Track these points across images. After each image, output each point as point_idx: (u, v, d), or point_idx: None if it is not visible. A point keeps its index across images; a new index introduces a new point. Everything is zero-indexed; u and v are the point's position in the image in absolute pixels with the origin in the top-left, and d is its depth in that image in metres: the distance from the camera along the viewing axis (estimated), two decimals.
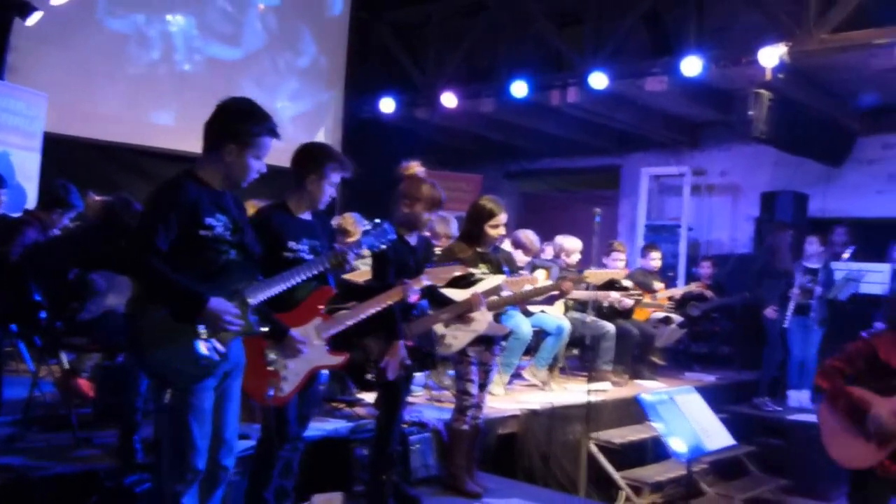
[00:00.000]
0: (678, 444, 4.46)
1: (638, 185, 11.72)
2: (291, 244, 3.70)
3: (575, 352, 8.16)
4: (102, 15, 9.41)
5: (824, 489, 7.36)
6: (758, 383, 8.56)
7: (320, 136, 10.81)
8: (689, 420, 4.63)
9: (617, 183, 12.68)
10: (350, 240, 5.59)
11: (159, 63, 9.89)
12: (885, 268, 8.83)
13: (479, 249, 5.00)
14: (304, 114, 11.02)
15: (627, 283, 7.87)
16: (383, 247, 3.83)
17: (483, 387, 5.03)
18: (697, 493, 6.95)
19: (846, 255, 9.00)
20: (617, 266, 8.02)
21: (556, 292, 5.25)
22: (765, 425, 8.01)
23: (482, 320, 4.83)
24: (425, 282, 4.23)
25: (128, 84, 9.59)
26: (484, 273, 4.94)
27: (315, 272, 3.56)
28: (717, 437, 4.76)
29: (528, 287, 5.16)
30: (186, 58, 10.06)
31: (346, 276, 4.45)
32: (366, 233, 3.77)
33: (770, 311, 8.42)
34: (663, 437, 4.51)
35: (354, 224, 6.12)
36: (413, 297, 4.16)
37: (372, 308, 3.99)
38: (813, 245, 8.66)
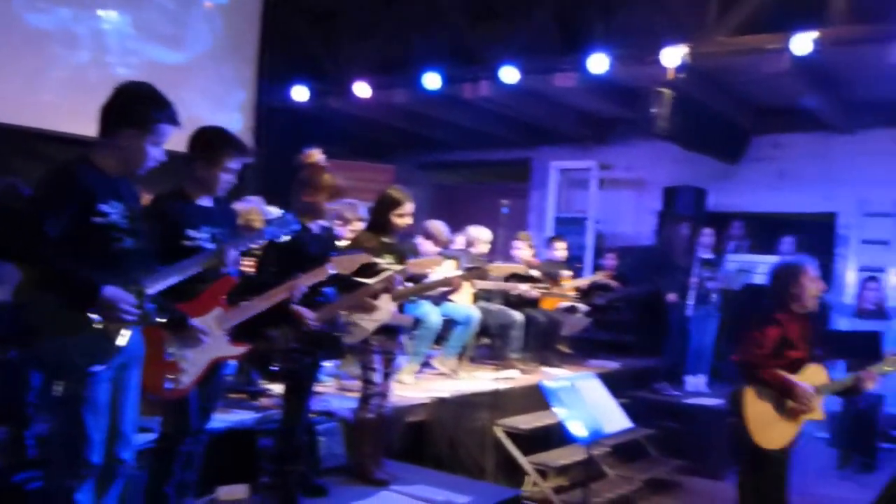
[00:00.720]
0: (579, 429, 4.44)
1: (547, 178, 11.77)
2: (190, 232, 3.51)
3: (485, 341, 8.14)
4: (20, 9, 8.33)
5: (716, 468, 7.59)
6: (658, 369, 8.70)
7: (231, 124, 10.43)
8: (589, 405, 4.62)
9: (527, 176, 12.70)
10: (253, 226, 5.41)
11: (89, 65, 8.78)
12: (775, 260, 9.04)
13: (384, 239, 4.91)
14: (214, 101, 10.57)
15: (535, 273, 7.88)
16: (286, 237, 3.69)
17: (388, 375, 4.96)
18: (600, 475, 6.97)
19: (740, 248, 9.21)
20: (520, 255, 8.04)
21: (447, 288, 5.21)
22: (664, 409, 8.12)
23: (385, 309, 4.75)
24: (331, 270, 4.08)
25: (54, 90, 8.55)
26: (389, 263, 4.84)
27: (213, 261, 3.39)
28: (616, 420, 4.77)
29: (431, 274, 5.09)
30: (120, 60, 9.07)
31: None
32: (268, 222, 3.63)
33: (671, 297, 8.57)
34: (564, 422, 4.48)
35: (258, 212, 5.93)
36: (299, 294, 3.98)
37: (267, 303, 3.82)
38: (708, 237, 8.85)
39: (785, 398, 4.51)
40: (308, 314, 4.13)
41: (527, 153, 12.58)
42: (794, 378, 4.50)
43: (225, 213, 3.80)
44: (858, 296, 8.91)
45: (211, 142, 3.64)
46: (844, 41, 7.45)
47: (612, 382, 7.62)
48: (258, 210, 5.95)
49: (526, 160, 12.65)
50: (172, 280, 3.22)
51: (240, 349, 3.70)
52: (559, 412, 4.49)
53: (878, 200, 9.83)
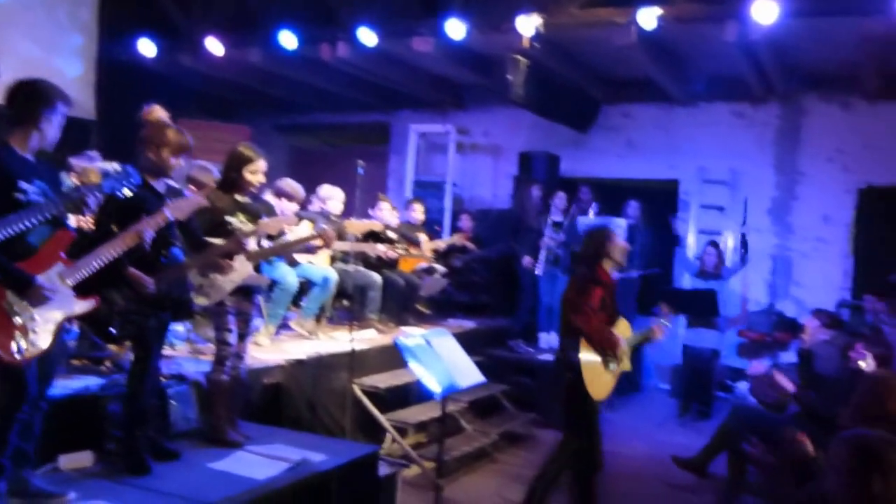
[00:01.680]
0: (433, 384, 4.41)
1: (406, 142, 11.67)
2: (22, 184, 3.22)
3: (344, 302, 8.02)
4: None
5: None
6: (512, 327, 8.83)
7: (73, 79, 9.67)
8: (443, 361, 4.59)
9: (387, 139, 12.56)
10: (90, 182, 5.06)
11: None
12: (622, 223, 9.35)
13: (237, 198, 4.70)
14: (47, 44, 9.74)
15: (392, 235, 7.80)
16: (126, 191, 3.43)
17: (243, 337, 4.77)
18: (457, 430, 7.05)
19: (591, 212, 9.40)
20: (381, 217, 7.95)
21: (318, 242, 5.05)
22: (518, 366, 8.32)
23: (241, 270, 4.57)
24: (168, 215, 3.81)
25: None
26: (242, 222, 4.65)
27: (48, 215, 3.12)
28: (469, 375, 4.77)
29: (287, 234, 4.91)
30: None
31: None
32: (107, 175, 3.36)
33: (526, 261, 8.70)
34: (419, 378, 4.44)
35: (94, 169, 5.55)
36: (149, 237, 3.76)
37: (110, 252, 3.57)
38: (560, 201, 8.99)
39: (608, 351, 4.92)
40: (145, 278, 3.90)
41: (386, 117, 12.44)
42: (615, 333, 4.98)
43: (46, 168, 3.52)
44: (699, 258, 9.27)
45: (31, 95, 3.39)
46: (685, 18, 7.66)
47: (469, 341, 7.69)
48: (94, 166, 5.56)
49: (385, 124, 12.51)
50: (4, 234, 2.94)
51: (88, 303, 3.45)
52: (414, 369, 4.44)
53: (715, 169, 10.27)
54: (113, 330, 3.82)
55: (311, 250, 5.66)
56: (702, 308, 8.63)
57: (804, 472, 4.14)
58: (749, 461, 5.68)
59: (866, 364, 5.89)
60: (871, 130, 9.60)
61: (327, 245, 5.33)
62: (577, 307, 4.84)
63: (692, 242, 10.38)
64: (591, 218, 9.26)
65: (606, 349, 4.92)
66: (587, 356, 4.86)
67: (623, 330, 5.13)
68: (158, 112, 4.09)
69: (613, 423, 8.41)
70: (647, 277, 9.69)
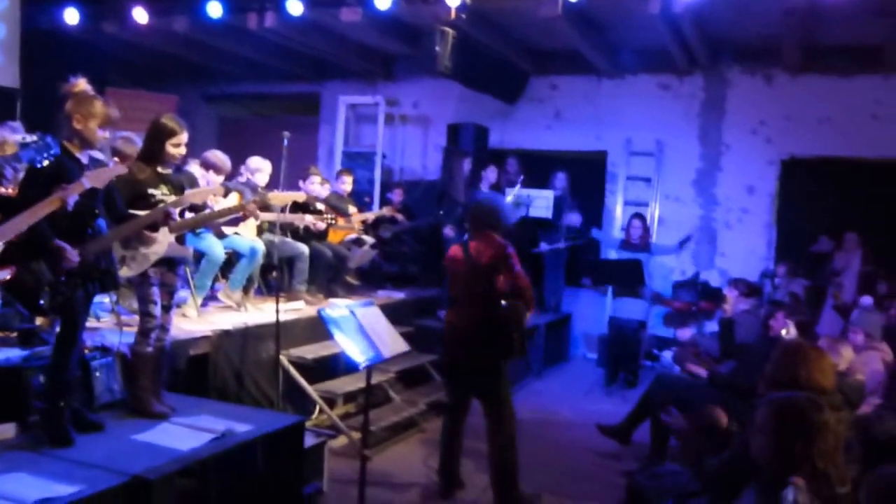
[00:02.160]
0: (357, 354, 4.53)
1: (336, 112, 11.66)
2: None
3: (273, 274, 8.06)
4: None
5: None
6: (441, 298, 8.93)
7: None
8: (367, 331, 4.70)
9: (317, 110, 12.53)
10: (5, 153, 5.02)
11: None
12: (549, 194, 9.55)
13: (159, 170, 4.70)
14: None
15: (321, 206, 7.85)
16: (45, 161, 3.45)
17: (168, 308, 4.80)
18: (386, 401, 7.16)
19: (518, 184, 9.55)
20: (312, 189, 7.99)
21: (240, 214, 5.10)
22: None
23: (164, 242, 4.60)
24: (86, 184, 3.79)
25: None
26: (164, 195, 4.66)
27: None
28: (393, 345, 4.89)
29: (211, 206, 4.94)
30: None
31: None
32: (25, 145, 3.37)
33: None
34: (343, 349, 4.55)
35: (10, 140, 5.49)
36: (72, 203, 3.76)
37: (32, 218, 3.58)
38: (491, 174, 9.13)
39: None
40: (70, 250, 3.91)
41: (315, 87, 12.41)
42: None
43: None
44: (625, 229, 9.47)
45: None
46: None
47: (398, 312, 7.89)
48: (13, 137, 5.49)
49: (315, 94, 12.47)
50: None
51: (5, 272, 3.47)
52: (339, 340, 4.54)
53: (642, 140, 10.52)
54: (42, 302, 3.83)
55: (236, 222, 5.69)
56: (627, 279, 8.81)
57: (717, 440, 4.34)
58: (668, 429, 5.92)
59: (787, 332, 6.16)
60: (794, 103, 9.88)
61: (251, 217, 5.37)
62: (513, 269, 5.14)
63: (619, 214, 10.64)
64: (517, 190, 9.41)
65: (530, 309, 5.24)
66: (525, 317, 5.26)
67: None
68: (82, 85, 4.07)
69: (540, 392, 8.67)
70: (574, 248, 9.93)
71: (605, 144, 10.80)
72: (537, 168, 10.10)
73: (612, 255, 9.66)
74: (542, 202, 9.43)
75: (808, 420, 2.92)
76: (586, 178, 10.64)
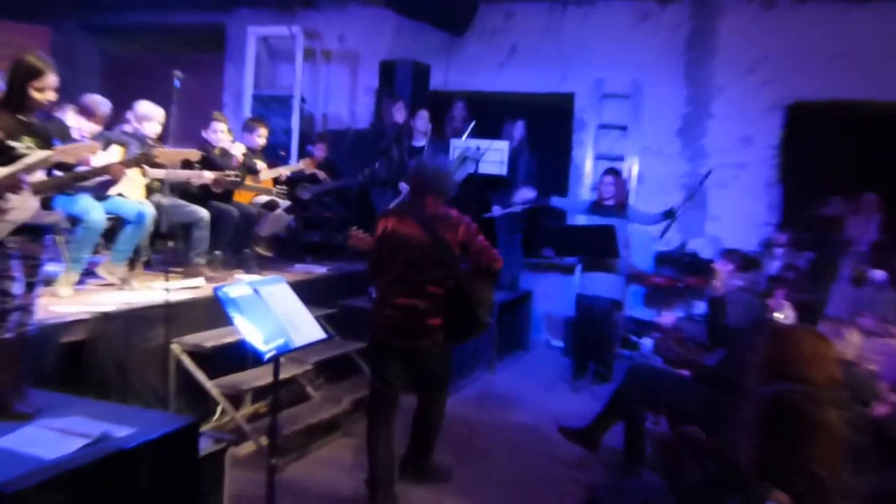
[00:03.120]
0: (260, 342, 4.56)
1: (244, 48, 11.61)
2: None
3: (170, 244, 8.05)
4: None
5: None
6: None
7: None
8: (273, 314, 4.72)
9: (222, 45, 12.47)
10: None
11: None
12: (503, 146, 9.53)
13: (21, 117, 4.67)
14: None
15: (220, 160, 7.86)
16: None
17: (32, 286, 4.76)
18: (303, 398, 7.22)
19: (465, 134, 9.59)
20: (217, 140, 7.97)
21: (106, 176, 5.11)
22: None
23: (25, 207, 4.56)
24: None
25: None
26: (28, 147, 4.63)
27: None
28: (307, 331, 4.90)
29: (86, 159, 4.94)
30: None
31: None
32: None
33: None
34: (243, 336, 4.58)
35: None
36: None
37: None
38: (422, 122, 9.12)
39: None
40: None
41: (220, 17, 12.35)
42: None
43: None
44: (596, 188, 9.54)
45: None
46: None
47: (321, 290, 7.95)
48: None
49: (219, 26, 12.41)
50: None
51: None
52: (238, 324, 4.55)
53: (616, 81, 10.64)
54: None
55: (106, 186, 5.67)
56: (597, 248, 8.66)
57: (701, 450, 4.39)
58: (644, 434, 5.96)
59: (784, 316, 6.23)
60: (800, 35, 9.97)
61: (115, 182, 5.36)
62: (482, 246, 5.52)
63: (589, 170, 10.77)
64: (463, 141, 9.46)
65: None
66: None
67: None
68: None
69: (493, 387, 8.74)
70: (534, 212, 10.00)
71: (572, 86, 10.90)
72: (489, 114, 10.14)
73: (581, 220, 9.77)
74: (494, 155, 9.43)
75: (803, 418, 2.93)
76: (549, 126, 10.73)
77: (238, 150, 8.27)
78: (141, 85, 11.50)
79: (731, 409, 4.78)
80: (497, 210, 9.82)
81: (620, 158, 10.57)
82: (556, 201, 9.61)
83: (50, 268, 5.87)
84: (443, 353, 5.71)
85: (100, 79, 12.93)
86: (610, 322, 9.13)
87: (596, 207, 9.17)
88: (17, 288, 4.65)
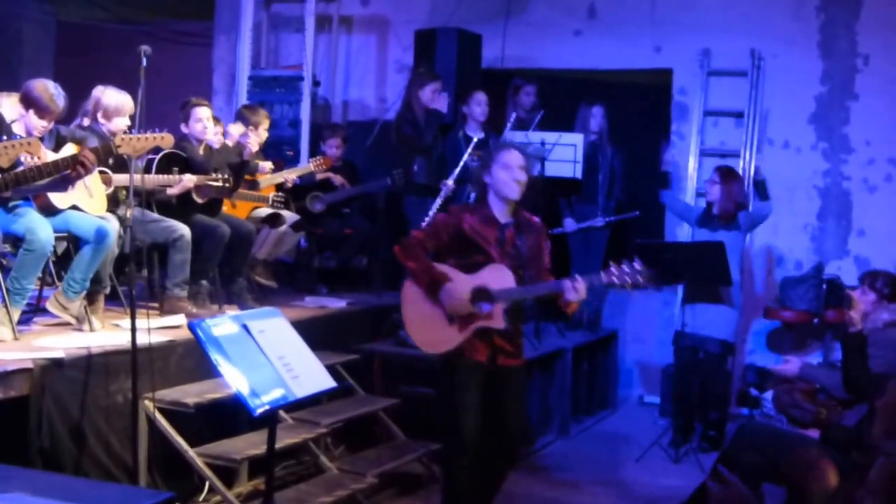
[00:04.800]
0: (251, 392, 4.64)
1: (240, 16, 11.71)
2: None
3: (142, 272, 8.16)
4: None
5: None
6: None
7: None
8: (267, 358, 4.79)
9: (210, 12, 12.65)
10: None
11: None
12: (577, 139, 9.55)
13: None
14: None
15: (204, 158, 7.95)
16: None
17: None
18: (315, 471, 7.28)
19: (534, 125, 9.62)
20: (197, 133, 8.11)
21: (68, 171, 5.21)
22: (413, 368, 8.44)
23: None
24: None
25: None
26: None
27: None
28: (311, 378, 4.98)
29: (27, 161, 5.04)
30: None
31: None
32: None
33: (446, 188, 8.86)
34: (226, 382, 4.67)
35: None
36: None
37: None
38: (479, 108, 9.15)
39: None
40: None
41: None
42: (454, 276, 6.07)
43: None
44: (703, 194, 9.61)
45: None
46: None
47: (337, 330, 8.04)
48: None
49: None
50: None
51: None
52: (223, 370, 4.65)
53: (727, 53, 10.68)
54: None
55: (65, 186, 5.69)
56: (704, 272, 8.67)
57: None
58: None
59: None
60: None
61: (86, 171, 5.42)
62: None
63: (693, 169, 10.76)
64: (532, 133, 9.49)
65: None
66: (412, 295, 6.26)
67: None
68: None
69: (566, 458, 8.71)
70: (621, 226, 10.04)
71: (669, 60, 10.95)
72: (560, 98, 10.18)
73: (684, 234, 9.75)
74: (566, 152, 9.43)
75: None
76: (638, 113, 10.77)
77: (215, 137, 8.37)
78: (105, 64, 11.77)
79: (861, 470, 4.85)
80: (570, 224, 9.85)
81: (734, 154, 10.56)
82: (668, 198, 9.76)
83: None
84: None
85: (52, 56, 13.16)
86: (721, 371, 9.11)
87: (704, 218, 9.20)
88: None
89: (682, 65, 10.91)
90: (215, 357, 4.67)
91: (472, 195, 7.82)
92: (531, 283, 6.07)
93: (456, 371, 6.17)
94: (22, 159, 5.89)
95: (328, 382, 5.10)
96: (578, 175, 9.54)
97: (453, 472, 6.23)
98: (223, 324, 4.86)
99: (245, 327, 4.89)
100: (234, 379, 4.67)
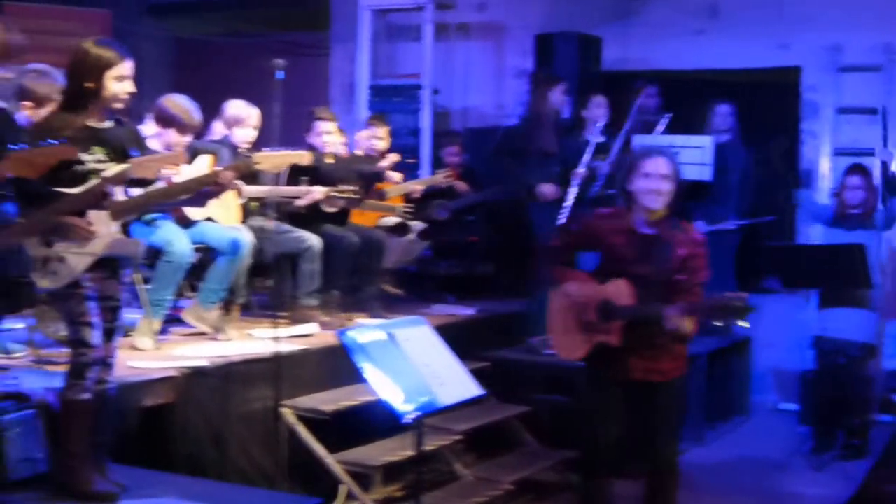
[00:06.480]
0: (399, 400, 4.75)
1: (357, 25, 11.99)
2: None
3: (267, 282, 8.39)
4: None
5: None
6: (534, 315, 8.94)
7: None
8: (413, 365, 4.94)
9: (326, 22, 12.88)
10: None
11: None
12: (705, 141, 9.58)
13: (90, 123, 4.94)
14: None
15: (338, 171, 8.14)
16: None
17: (111, 334, 5.11)
18: (448, 478, 7.44)
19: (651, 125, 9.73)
20: (322, 145, 8.33)
21: (211, 187, 5.38)
22: (544, 375, 8.58)
23: (104, 235, 4.86)
24: (8, 174, 4.19)
25: None
26: (100, 160, 4.93)
27: None
28: (457, 386, 5.10)
29: (168, 174, 5.21)
30: None
31: None
32: None
33: (548, 189, 9.06)
34: (376, 391, 4.80)
35: None
36: None
37: None
38: (600, 110, 9.20)
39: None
40: None
41: None
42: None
43: None
44: (836, 193, 9.50)
45: None
46: None
47: (465, 338, 8.12)
48: None
49: None
50: None
51: None
52: (370, 377, 4.80)
53: (859, 47, 10.60)
54: None
55: (205, 200, 5.83)
56: (841, 275, 8.60)
57: None
58: None
59: None
60: None
61: (224, 189, 5.57)
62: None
63: (826, 170, 10.75)
64: (657, 137, 9.56)
65: None
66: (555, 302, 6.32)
67: None
68: None
69: (701, 466, 8.61)
70: (751, 230, 10.05)
71: (797, 57, 10.91)
72: (683, 99, 10.19)
73: (817, 235, 9.78)
74: (694, 155, 9.42)
75: None
76: (766, 113, 10.74)
77: (340, 147, 8.57)
78: (223, 78, 12.06)
79: None
80: (700, 227, 9.88)
81: (869, 152, 10.47)
82: (801, 198, 9.87)
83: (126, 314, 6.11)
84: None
85: (170, 73, 13.50)
86: (863, 375, 9.02)
87: (839, 219, 9.17)
88: (95, 337, 4.95)
89: (811, 61, 10.86)
90: (363, 364, 4.82)
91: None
92: (659, 300, 5.84)
93: (593, 382, 6.26)
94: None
95: (475, 390, 5.22)
96: (708, 177, 9.56)
97: (590, 483, 6.36)
98: (370, 332, 5.03)
99: (391, 335, 5.03)
100: (382, 386, 4.81)
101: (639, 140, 9.44)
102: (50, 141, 4.46)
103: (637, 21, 11.25)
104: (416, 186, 9.39)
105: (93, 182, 4.79)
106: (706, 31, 11.17)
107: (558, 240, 6.44)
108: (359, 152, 8.86)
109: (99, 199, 4.76)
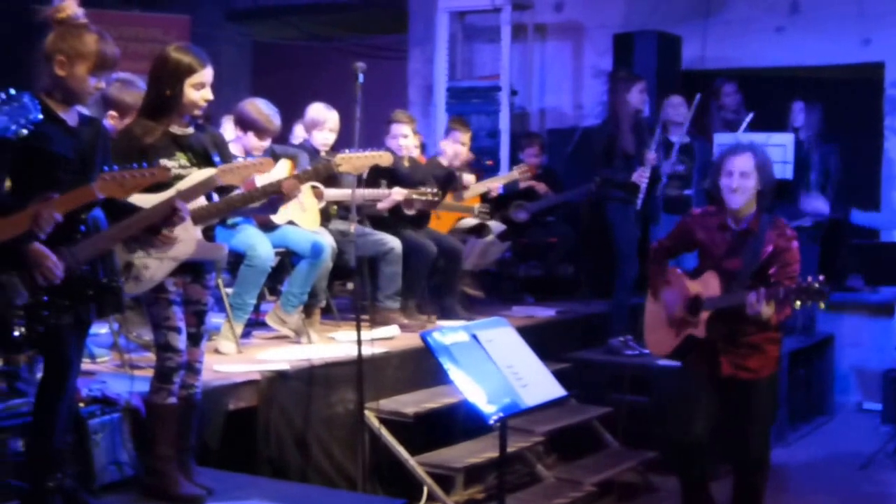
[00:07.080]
0: (483, 402, 4.74)
1: (434, 27, 12.00)
2: None
3: (348, 285, 8.40)
4: None
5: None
6: (615, 316, 9.01)
7: None
8: (497, 366, 4.92)
9: (403, 25, 12.93)
10: None
11: None
12: (786, 139, 9.51)
13: (173, 130, 5.00)
14: None
15: (418, 174, 8.16)
16: (23, 131, 3.77)
17: (197, 339, 5.16)
18: (531, 479, 7.42)
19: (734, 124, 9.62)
20: (401, 148, 8.33)
21: (276, 195, 5.42)
22: (626, 377, 8.44)
23: (187, 239, 4.88)
24: (100, 195, 4.17)
25: None
26: (184, 166, 4.98)
27: None
28: (541, 388, 5.07)
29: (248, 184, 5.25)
30: None
31: None
32: None
33: (639, 175, 8.87)
34: (461, 391, 4.77)
35: None
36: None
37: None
38: (678, 108, 9.14)
39: None
40: (52, 257, 4.12)
41: None
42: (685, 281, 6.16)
43: None
44: None
45: None
46: None
47: (546, 339, 8.13)
48: None
49: (397, 1, 12.84)
50: None
51: None
52: (454, 378, 4.79)
53: None
54: (17, 333, 4.10)
55: (275, 205, 5.81)
56: None
57: None
58: None
59: None
60: None
61: (287, 198, 5.59)
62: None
63: None
64: (740, 135, 9.44)
65: None
66: (650, 300, 6.49)
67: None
68: (71, 8, 4.35)
69: (785, 466, 8.61)
70: (835, 227, 9.98)
71: (880, 52, 10.79)
72: (763, 97, 10.12)
73: None
74: (775, 153, 9.32)
75: None
76: (848, 109, 10.62)
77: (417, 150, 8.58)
78: (301, 82, 12.14)
79: None
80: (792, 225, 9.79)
81: None
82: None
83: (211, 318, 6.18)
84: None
85: (249, 77, 13.61)
86: None
87: None
88: (180, 341, 5.00)
89: (895, 57, 10.74)
90: (448, 366, 4.81)
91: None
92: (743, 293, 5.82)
93: (684, 378, 6.32)
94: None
95: (558, 391, 5.19)
96: (788, 175, 9.47)
97: (682, 480, 6.35)
98: (453, 333, 5.02)
99: (474, 336, 5.03)
100: (467, 387, 4.80)
101: (721, 139, 9.38)
102: (108, 125, 4.42)
103: (716, 19, 11.18)
104: (494, 184, 9.37)
105: (167, 193, 4.75)
106: (786, 28, 11.09)
107: (665, 240, 6.55)
108: (443, 160, 8.83)
109: (169, 214, 4.65)
